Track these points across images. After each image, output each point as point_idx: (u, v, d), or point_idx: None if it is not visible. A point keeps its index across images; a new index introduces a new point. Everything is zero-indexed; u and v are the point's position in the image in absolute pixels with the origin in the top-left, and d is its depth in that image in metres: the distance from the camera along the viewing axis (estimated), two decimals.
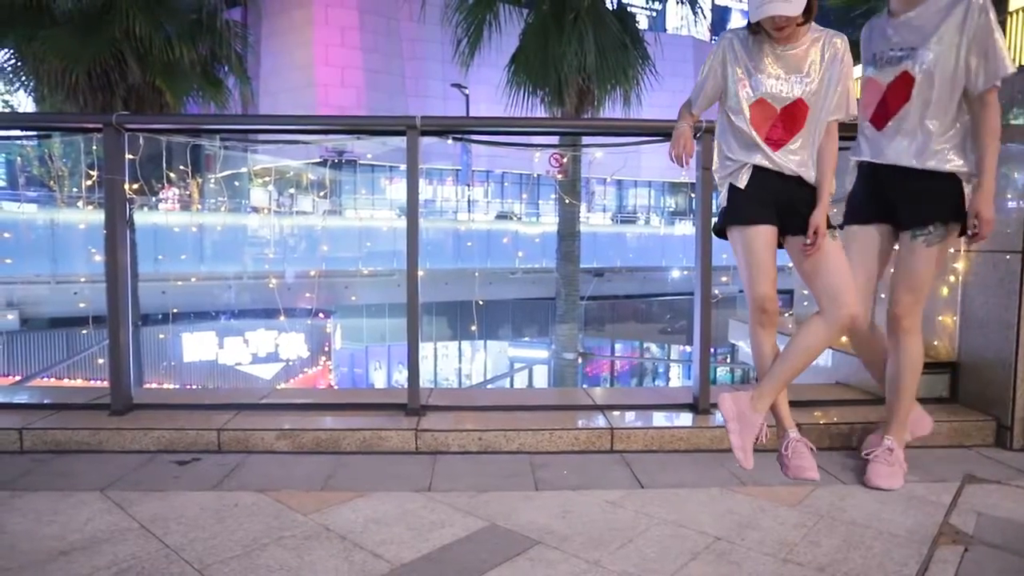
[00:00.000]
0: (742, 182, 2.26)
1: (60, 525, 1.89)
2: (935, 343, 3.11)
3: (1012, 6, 4.56)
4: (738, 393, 2.29)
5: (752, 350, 2.43)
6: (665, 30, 34.12)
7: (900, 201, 2.28)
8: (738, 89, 2.23)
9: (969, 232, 2.19)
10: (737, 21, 41.49)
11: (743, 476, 2.34)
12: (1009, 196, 2.72)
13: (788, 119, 2.21)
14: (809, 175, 2.23)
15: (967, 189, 2.20)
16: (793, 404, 2.90)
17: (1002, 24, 4.48)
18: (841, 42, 2.23)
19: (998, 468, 2.45)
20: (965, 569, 1.70)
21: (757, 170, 2.25)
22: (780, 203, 2.25)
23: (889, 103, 2.26)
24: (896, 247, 2.37)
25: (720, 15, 40.13)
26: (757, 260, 2.28)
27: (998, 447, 2.67)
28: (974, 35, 2.12)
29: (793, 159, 2.22)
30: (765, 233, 2.27)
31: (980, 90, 2.15)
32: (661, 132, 2.97)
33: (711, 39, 37.31)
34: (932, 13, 2.17)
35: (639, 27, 10.82)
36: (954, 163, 2.19)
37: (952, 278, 2.99)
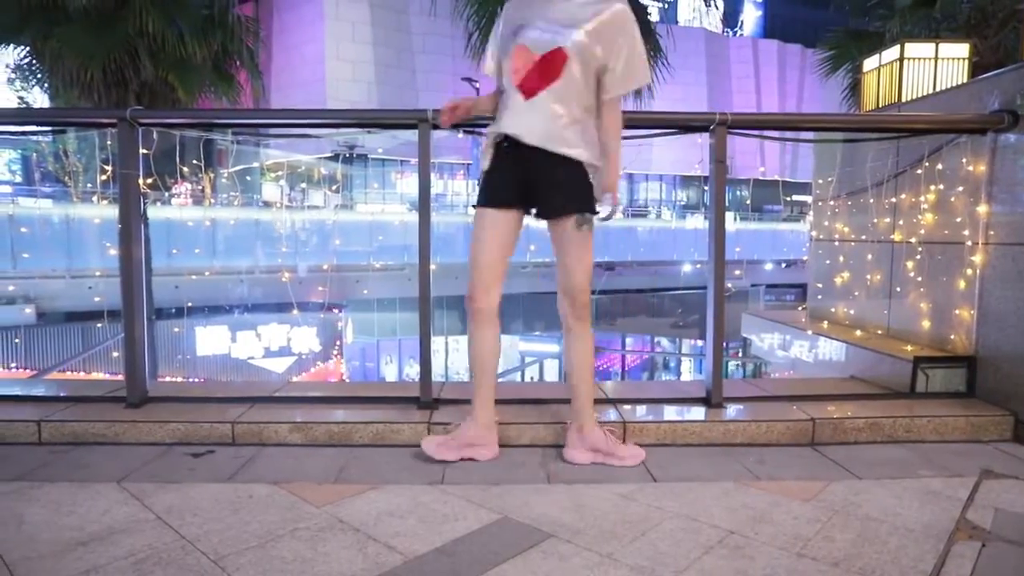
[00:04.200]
0: (486, 163, 2.32)
1: (78, 516, 1.91)
2: (952, 337, 3.08)
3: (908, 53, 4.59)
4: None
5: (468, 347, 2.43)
6: (677, 22, 33.87)
7: (543, 187, 2.28)
8: (508, 42, 2.28)
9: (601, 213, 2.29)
10: (750, 13, 41.10)
11: (757, 471, 2.33)
12: None
13: (546, 67, 2.20)
14: (566, 150, 2.22)
15: (592, 179, 2.28)
16: (807, 398, 2.89)
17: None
18: (622, 7, 2.24)
19: (1016, 463, 2.42)
20: (983, 565, 1.69)
21: (501, 149, 2.28)
22: (527, 183, 2.28)
23: (539, 75, 2.23)
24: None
25: (732, 6, 39.76)
26: (476, 247, 2.33)
27: (1016, 442, 2.64)
28: (614, 38, 2.20)
29: (540, 118, 2.20)
30: (493, 217, 2.31)
31: (612, 95, 2.23)
32: (673, 124, 2.95)
33: (723, 31, 37.02)
34: (584, 4, 2.22)
35: (650, 19, 10.73)
36: (583, 152, 2.24)
37: (969, 271, 2.96)
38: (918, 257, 3.29)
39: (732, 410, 2.76)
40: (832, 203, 4.11)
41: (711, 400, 2.80)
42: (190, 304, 13.52)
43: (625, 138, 3.15)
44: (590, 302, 2.34)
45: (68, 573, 1.61)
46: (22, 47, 9.11)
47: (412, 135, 2.76)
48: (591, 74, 2.23)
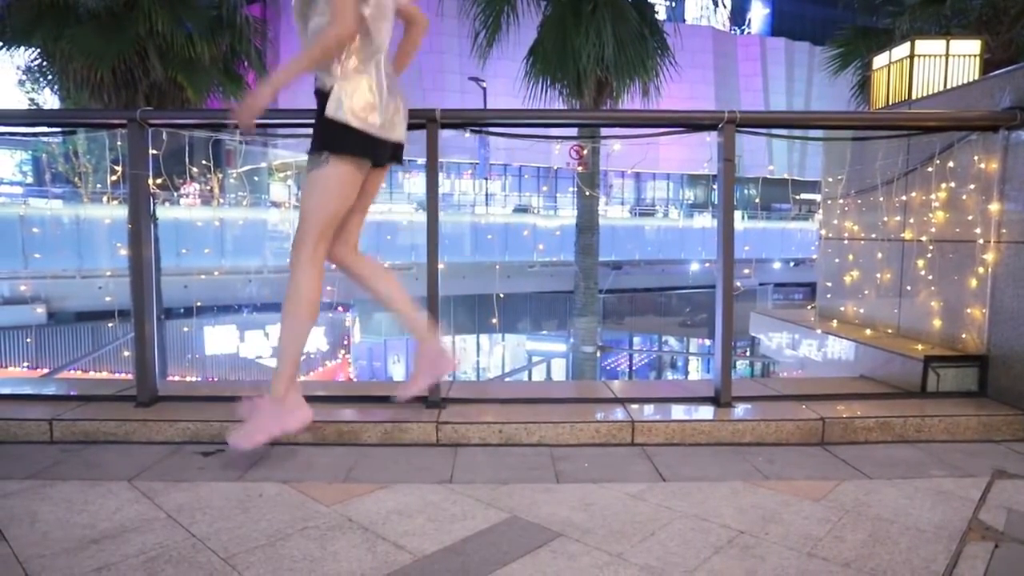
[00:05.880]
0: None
1: (90, 514, 1.92)
2: (963, 336, 3.06)
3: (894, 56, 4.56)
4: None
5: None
6: (684, 20, 33.77)
7: None
8: None
9: None
10: (758, 11, 40.92)
11: (766, 470, 2.32)
12: None
13: None
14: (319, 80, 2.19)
15: (330, 107, 2.13)
16: (816, 397, 2.88)
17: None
18: None
19: None
20: (995, 566, 1.67)
21: None
22: None
23: None
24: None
25: (739, 4, 39.61)
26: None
27: None
28: None
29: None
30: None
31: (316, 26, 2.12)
32: (681, 123, 2.95)
33: (730, 29, 36.89)
34: None
35: (658, 18, 10.71)
36: (319, 80, 2.17)
37: (981, 270, 2.94)
38: (929, 255, 3.27)
39: (741, 409, 2.75)
40: (841, 201, 4.08)
41: (720, 399, 2.79)
42: (199, 304, 13.58)
43: (634, 136, 3.16)
44: (313, 243, 2.20)
45: (80, 571, 1.62)
46: (33, 49, 9.18)
47: (419, 134, 2.76)
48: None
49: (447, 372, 2.35)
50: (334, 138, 2.18)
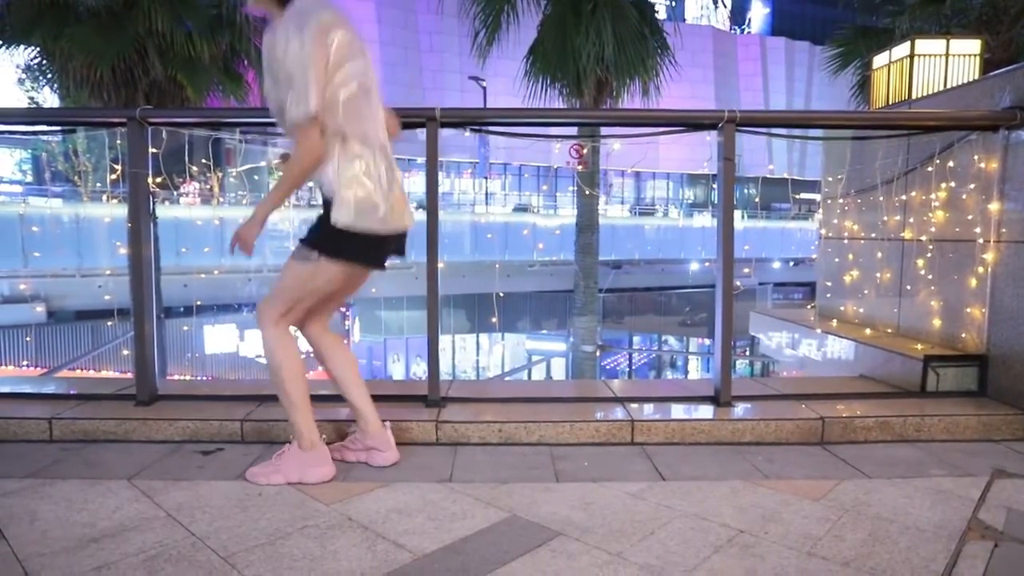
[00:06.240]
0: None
1: (90, 513, 1.92)
2: (963, 335, 3.06)
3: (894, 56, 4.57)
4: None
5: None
6: (684, 20, 33.76)
7: None
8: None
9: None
10: (758, 10, 40.91)
11: (766, 470, 2.32)
12: None
13: None
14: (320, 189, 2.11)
15: (335, 215, 2.06)
16: (816, 397, 2.88)
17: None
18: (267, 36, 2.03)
19: None
20: (995, 565, 1.67)
21: None
22: None
23: None
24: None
25: (740, 4, 39.60)
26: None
27: None
28: (279, 68, 1.99)
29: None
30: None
31: (289, 125, 2.01)
32: (681, 122, 2.95)
33: (731, 28, 36.88)
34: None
35: (658, 17, 10.70)
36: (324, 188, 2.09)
37: (981, 269, 2.94)
38: (929, 255, 3.27)
39: (740, 409, 2.75)
40: (841, 201, 4.08)
41: (719, 398, 2.79)
42: (199, 302, 13.57)
43: (634, 136, 3.16)
44: (277, 317, 2.16)
45: (80, 569, 1.62)
46: (32, 47, 9.17)
47: (419, 133, 2.76)
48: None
49: (379, 465, 2.30)
50: (333, 245, 2.10)
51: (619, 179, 33.21)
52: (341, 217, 2.06)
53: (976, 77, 4.42)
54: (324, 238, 2.10)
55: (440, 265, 2.76)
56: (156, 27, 8.51)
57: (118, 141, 3.09)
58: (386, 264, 2.26)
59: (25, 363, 14.51)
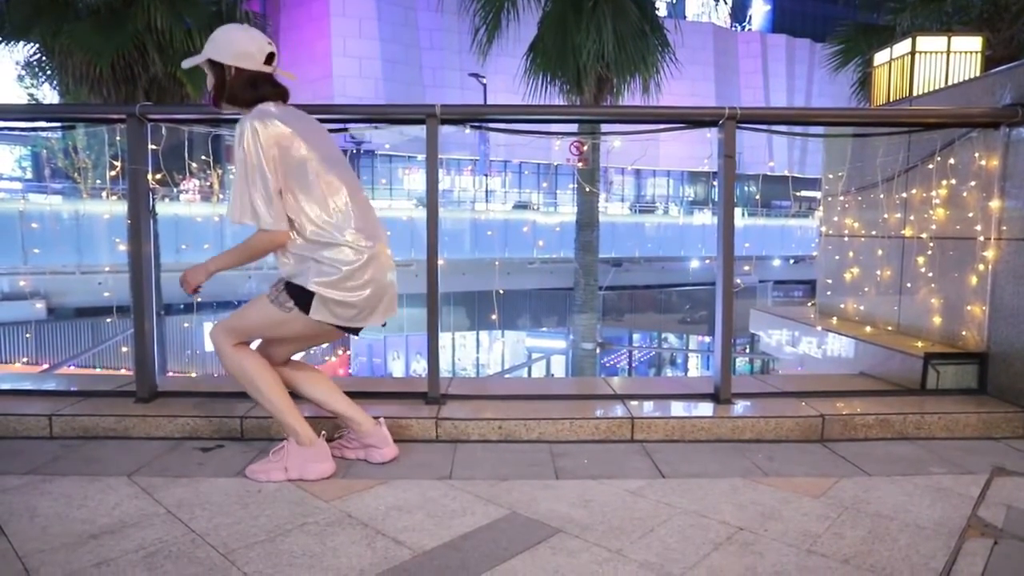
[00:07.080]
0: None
1: (89, 509, 1.92)
2: (963, 333, 3.06)
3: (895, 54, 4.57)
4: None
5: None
6: (685, 17, 33.70)
7: None
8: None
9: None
10: (759, 7, 40.84)
11: (765, 467, 2.32)
12: None
13: None
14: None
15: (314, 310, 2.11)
16: (816, 394, 2.88)
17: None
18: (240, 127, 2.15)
19: None
20: (994, 563, 1.67)
21: None
22: None
23: None
24: None
25: (740, 1, 39.53)
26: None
27: None
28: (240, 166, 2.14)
29: None
30: None
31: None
32: (682, 119, 2.94)
33: (731, 26, 36.82)
34: None
35: (658, 14, 10.68)
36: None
37: (981, 267, 2.93)
38: (929, 252, 3.27)
39: (740, 406, 2.75)
40: (842, 198, 4.08)
41: (719, 396, 2.79)
42: (199, 299, 13.56)
43: (634, 132, 3.15)
44: (230, 342, 2.21)
45: (79, 565, 1.62)
46: (32, 44, 9.16)
47: (420, 131, 2.75)
48: None
49: (377, 461, 2.30)
50: (311, 303, 2.11)
51: (619, 176, 33.20)
52: (315, 311, 2.11)
53: (977, 74, 4.40)
54: (304, 293, 2.12)
55: (440, 262, 2.76)
56: (156, 24, 8.49)
57: (118, 138, 3.08)
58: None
59: (25, 360, 14.51)
